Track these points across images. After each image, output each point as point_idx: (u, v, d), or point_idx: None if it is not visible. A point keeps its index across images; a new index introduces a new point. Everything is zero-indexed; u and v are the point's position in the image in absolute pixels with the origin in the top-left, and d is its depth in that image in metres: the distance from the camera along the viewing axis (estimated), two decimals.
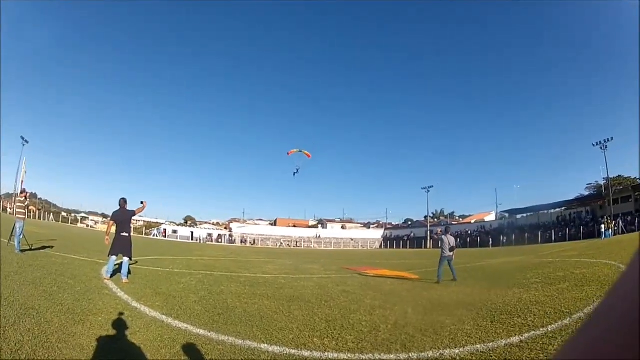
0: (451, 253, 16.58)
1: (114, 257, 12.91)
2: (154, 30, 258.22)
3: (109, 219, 14.26)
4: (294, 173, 59.60)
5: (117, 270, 13.09)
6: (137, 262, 16.47)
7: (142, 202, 13.66)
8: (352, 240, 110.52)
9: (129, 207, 13.56)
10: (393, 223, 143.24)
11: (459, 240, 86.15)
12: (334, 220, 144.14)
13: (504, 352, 6.02)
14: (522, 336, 6.82)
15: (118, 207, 13.48)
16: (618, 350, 0.49)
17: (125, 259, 12.94)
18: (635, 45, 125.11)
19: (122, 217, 13.41)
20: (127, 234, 13.36)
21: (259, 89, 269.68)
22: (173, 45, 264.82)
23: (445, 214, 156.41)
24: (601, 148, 69.31)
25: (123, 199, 13.49)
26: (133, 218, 13.97)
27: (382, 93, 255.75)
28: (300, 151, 59.46)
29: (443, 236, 17.06)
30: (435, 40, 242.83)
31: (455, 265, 16.45)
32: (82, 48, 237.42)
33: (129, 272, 13.05)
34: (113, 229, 13.38)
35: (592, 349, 0.54)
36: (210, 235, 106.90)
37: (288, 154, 58.99)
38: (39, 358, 5.21)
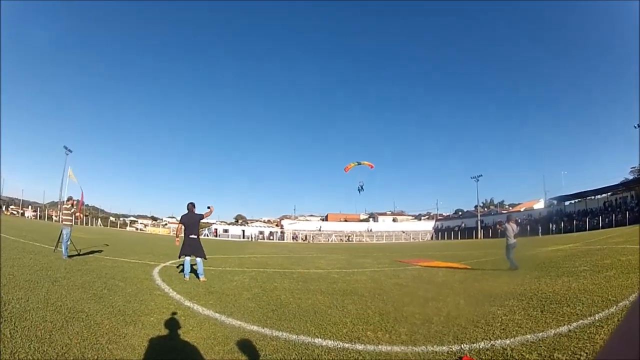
0: (515, 240, 16.63)
1: (187, 258, 13.63)
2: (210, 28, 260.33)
3: (179, 222, 14.86)
4: (359, 189, 55.80)
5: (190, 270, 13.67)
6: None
7: (209, 207, 14.14)
8: (403, 232, 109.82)
9: (177, 212, 14.12)
10: (444, 214, 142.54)
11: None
12: (384, 213, 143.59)
13: (552, 342, 5.98)
14: (570, 325, 6.78)
15: (186, 211, 14.07)
16: None
17: (199, 259, 13.57)
18: None
19: (191, 220, 14.00)
20: (195, 236, 13.88)
21: (306, 86, 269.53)
22: (230, 42, 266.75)
23: (495, 203, 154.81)
24: None
25: (191, 203, 14.11)
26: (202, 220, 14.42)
27: (431, 88, 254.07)
28: (359, 164, 54.28)
29: (506, 224, 17.19)
30: (483, 32, 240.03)
31: (504, 254, 16.41)
32: (120, 53, 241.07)
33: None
34: (182, 232, 14.14)
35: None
36: (261, 232, 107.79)
37: (345, 170, 52.49)
38: (88, 359, 5.27)
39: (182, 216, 14.28)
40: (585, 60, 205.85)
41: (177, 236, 14.82)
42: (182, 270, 13.81)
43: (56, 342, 5.76)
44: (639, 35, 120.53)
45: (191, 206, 14.11)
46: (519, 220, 18.33)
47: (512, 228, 16.80)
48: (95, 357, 5.36)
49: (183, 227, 14.15)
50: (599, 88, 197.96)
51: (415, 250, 41.02)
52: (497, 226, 20.57)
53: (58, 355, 5.27)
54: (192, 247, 13.65)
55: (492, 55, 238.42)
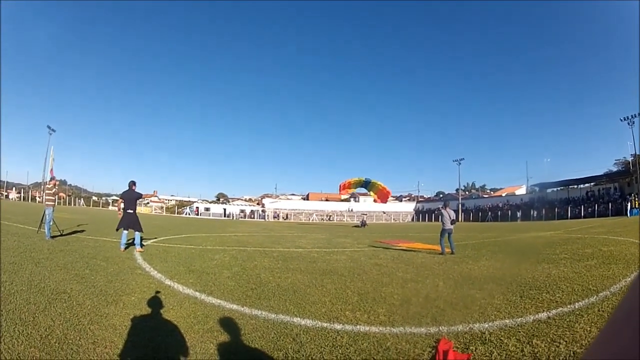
0: (452, 226, 16.97)
1: (125, 232, 14.93)
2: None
3: (118, 197, 16.19)
4: (360, 224, 50.45)
5: (131, 243, 15.16)
6: (155, 238, 17.86)
7: (154, 191, 15.48)
8: (384, 213, 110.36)
9: (161, 192, 15.09)
10: (425, 196, 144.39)
11: (489, 213, 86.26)
12: (366, 193, 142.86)
13: (531, 328, 5.98)
14: (549, 312, 6.78)
15: (127, 188, 15.51)
16: None
17: (137, 233, 14.93)
18: None
19: (129, 196, 15.35)
20: (132, 211, 15.21)
21: (286, 67, 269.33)
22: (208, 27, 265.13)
23: (477, 186, 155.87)
24: (629, 123, 68.65)
25: (132, 181, 15.60)
26: (141, 199, 15.69)
27: (414, 67, 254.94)
28: (367, 184, 48.02)
29: (443, 210, 17.53)
30: (468, 14, 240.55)
31: (485, 238, 16.46)
32: (109, 37, 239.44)
33: (142, 245, 15.29)
34: (122, 206, 15.31)
35: (621, 350, 0.57)
36: (242, 211, 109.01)
37: (342, 189, 48.90)
38: (70, 341, 5.23)
39: (122, 192, 15.69)
40: (576, 52, 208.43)
41: (119, 210, 15.59)
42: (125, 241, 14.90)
43: (40, 324, 5.75)
44: (639, 35, 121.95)
45: (131, 184, 15.49)
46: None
47: (447, 214, 17.13)
48: (78, 337, 5.34)
49: (123, 202, 15.30)
50: (590, 79, 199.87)
51: (395, 231, 41.44)
52: (436, 211, 21.02)
53: (42, 338, 5.25)
54: (128, 221, 14.95)
55: (482, 40, 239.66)
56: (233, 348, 5.36)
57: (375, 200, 66.21)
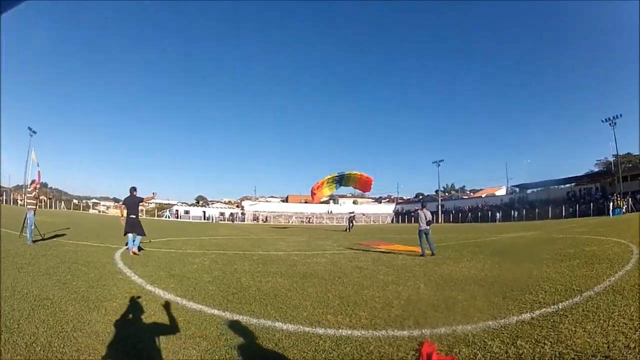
0: (428, 227, 17.04)
1: (130, 235, 15.37)
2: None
3: (120, 203, 17.28)
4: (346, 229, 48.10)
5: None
6: (150, 241, 18.59)
7: (153, 193, 16.56)
8: (363, 215, 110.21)
9: (141, 194, 16.27)
10: (404, 197, 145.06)
11: (469, 214, 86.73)
12: (345, 195, 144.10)
13: (515, 329, 6.01)
14: (533, 313, 6.81)
15: (129, 194, 16.04)
16: None
17: (138, 237, 15.52)
18: None
19: (131, 202, 16.05)
20: (134, 216, 15.81)
21: (267, 66, 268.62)
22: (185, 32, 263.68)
23: (456, 188, 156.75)
24: (610, 124, 69.24)
25: (133, 187, 16.10)
26: (142, 203, 16.80)
27: (394, 64, 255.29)
28: (340, 178, 46.12)
29: (420, 211, 17.64)
30: (449, 10, 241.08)
31: (464, 239, 16.51)
32: (87, 40, 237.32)
33: (140, 249, 15.80)
34: (125, 212, 16.05)
35: None
36: (222, 214, 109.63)
37: (314, 194, 45.37)
38: (55, 348, 5.20)
39: (125, 198, 16.35)
40: (559, 51, 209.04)
41: (122, 216, 16.47)
42: (127, 244, 15.50)
43: (24, 331, 5.74)
44: (639, 35, 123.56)
45: (133, 190, 16.08)
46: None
47: (424, 215, 17.22)
48: (62, 345, 5.32)
49: (125, 208, 16.14)
50: (570, 80, 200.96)
51: (375, 233, 41.50)
52: (412, 212, 21.11)
53: (27, 345, 5.24)
54: (132, 225, 15.50)
55: (462, 40, 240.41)
56: (215, 354, 5.31)
57: (354, 196, 64.66)
